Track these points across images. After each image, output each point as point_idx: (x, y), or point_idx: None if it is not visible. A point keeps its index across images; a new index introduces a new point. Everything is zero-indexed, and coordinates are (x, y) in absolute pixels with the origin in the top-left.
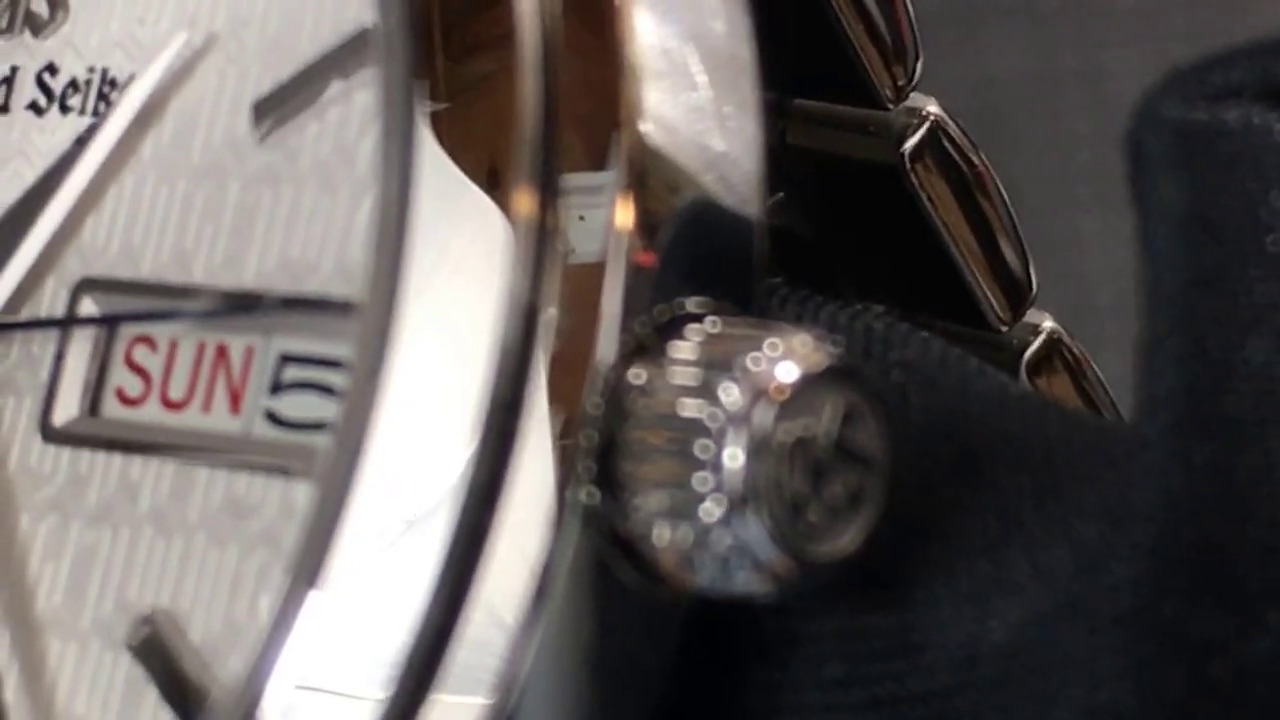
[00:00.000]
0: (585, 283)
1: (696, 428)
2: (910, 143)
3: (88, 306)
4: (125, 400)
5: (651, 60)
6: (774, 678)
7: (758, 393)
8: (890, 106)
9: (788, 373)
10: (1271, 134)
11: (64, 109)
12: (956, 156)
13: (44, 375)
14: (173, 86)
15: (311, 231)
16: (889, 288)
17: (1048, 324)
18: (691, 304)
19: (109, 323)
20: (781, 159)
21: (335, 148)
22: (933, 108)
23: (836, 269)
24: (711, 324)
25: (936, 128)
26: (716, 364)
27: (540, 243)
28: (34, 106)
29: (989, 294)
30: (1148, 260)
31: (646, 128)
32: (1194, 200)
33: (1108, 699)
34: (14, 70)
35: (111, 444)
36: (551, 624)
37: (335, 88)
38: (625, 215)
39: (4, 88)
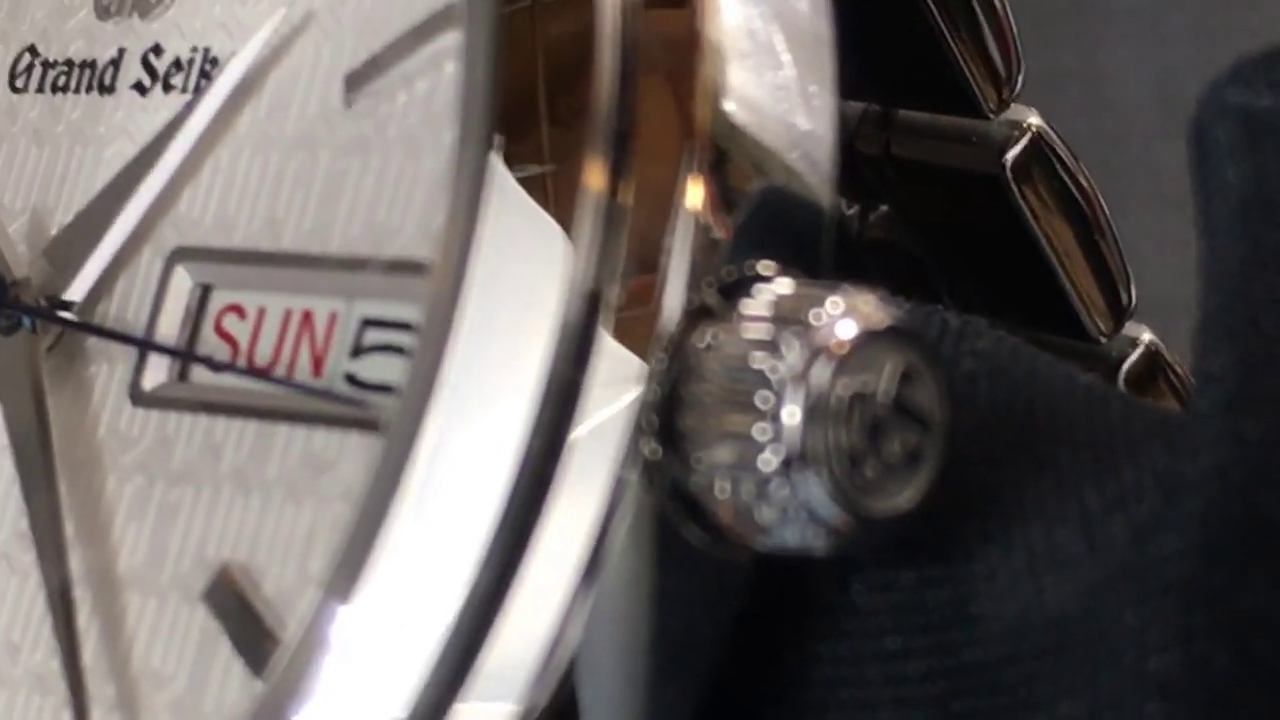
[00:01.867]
0: (655, 247)
1: (758, 380)
2: (1012, 153)
3: (180, 275)
4: (214, 366)
5: (737, 40)
6: (836, 650)
7: (818, 348)
8: (992, 116)
9: (848, 329)
10: None
11: (167, 88)
12: (1059, 167)
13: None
14: (271, 62)
15: (396, 196)
16: (990, 299)
17: (1146, 336)
18: (759, 267)
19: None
20: (886, 170)
21: (423, 116)
22: (1034, 119)
23: (939, 281)
24: (777, 284)
25: (1039, 139)
26: (779, 320)
27: (608, 221)
28: (138, 86)
29: (1089, 305)
30: (1206, 241)
31: (730, 106)
32: (1255, 181)
33: (1155, 668)
34: (121, 52)
35: (197, 406)
36: (613, 583)
37: (423, 58)
38: (695, 194)
39: (111, 69)
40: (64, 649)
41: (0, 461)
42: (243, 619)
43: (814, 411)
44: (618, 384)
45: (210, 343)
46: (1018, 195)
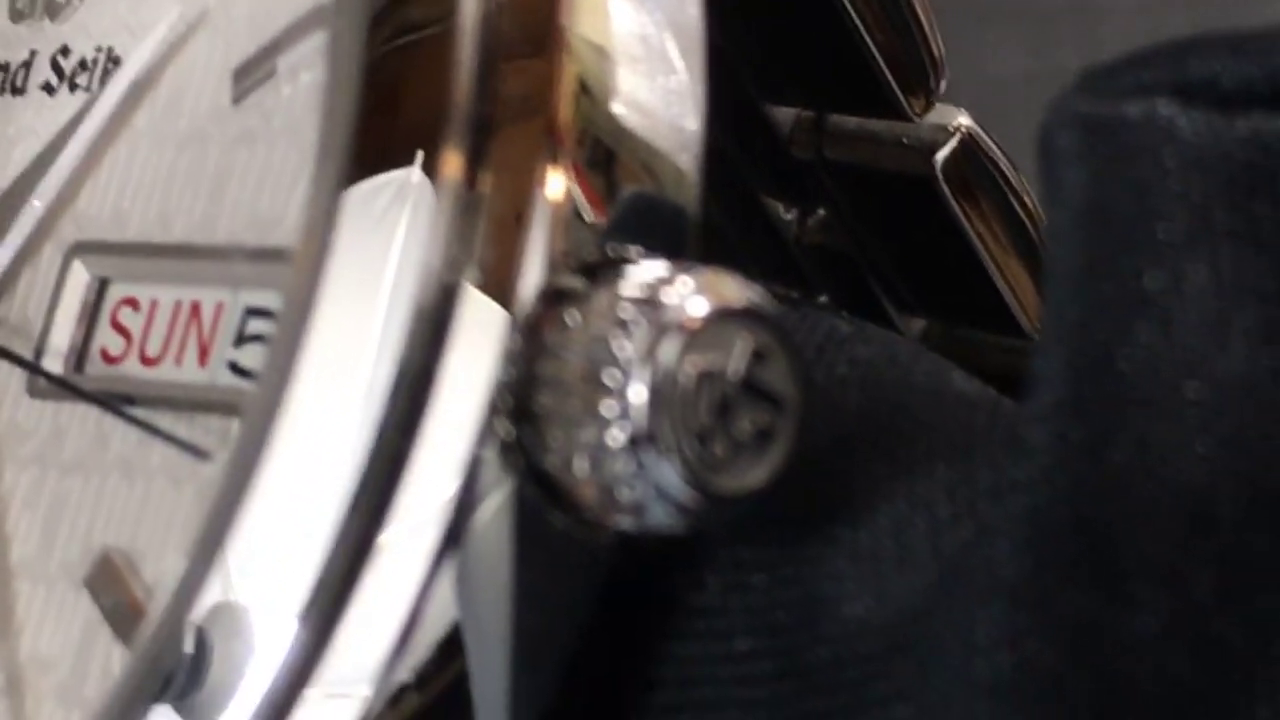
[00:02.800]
0: (513, 229)
1: (607, 358)
2: (942, 154)
3: (78, 269)
4: (108, 359)
5: (629, 46)
6: (690, 650)
7: (667, 325)
8: (916, 118)
9: (699, 307)
10: (1174, 126)
11: (73, 87)
12: (990, 168)
13: (35, 338)
14: (166, 59)
15: (279, 187)
16: (927, 299)
17: None
18: (620, 250)
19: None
20: (821, 175)
21: (306, 108)
22: (964, 119)
23: (875, 283)
24: (636, 266)
25: (969, 139)
26: (632, 300)
27: (465, 209)
28: (47, 87)
29: (1024, 304)
30: (1048, 246)
31: (620, 109)
32: (1092, 188)
33: (984, 669)
34: (32, 54)
35: (90, 397)
36: (478, 572)
37: (307, 50)
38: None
39: (23, 71)
40: None
41: None
42: (121, 604)
43: (660, 389)
44: (474, 367)
45: (106, 336)
46: (949, 196)
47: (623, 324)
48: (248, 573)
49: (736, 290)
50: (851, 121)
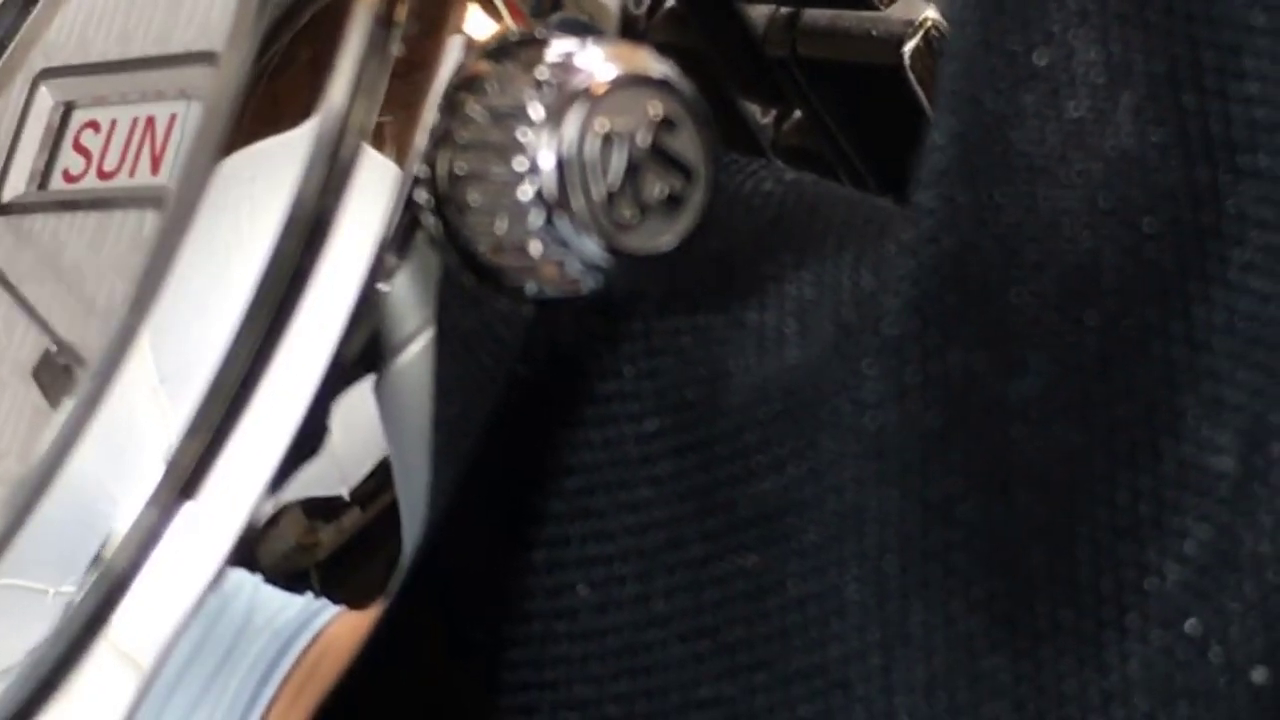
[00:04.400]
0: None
1: (520, 117)
2: (910, 45)
3: (43, 95)
4: (69, 178)
5: None
6: (604, 434)
7: (577, 89)
8: (881, 8)
9: (608, 72)
10: None
11: None
12: None
13: (1, 163)
14: None
15: None
16: (897, 196)
17: None
18: (535, 30)
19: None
20: (795, 73)
21: None
22: (930, 12)
23: (850, 184)
24: (552, 43)
25: (934, 32)
26: (547, 65)
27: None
28: None
29: None
30: (950, 25)
31: None
32: None
33: (870, 423)
34: None
35: (49, 208)
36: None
37: None
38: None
39: None
40: None
41: None
42: (66, 385)
43: (567, 147)
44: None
45: (69, 158)
46: (915, 84)
47: (537, 85)
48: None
49: (647, 60)
50: (824, 16)
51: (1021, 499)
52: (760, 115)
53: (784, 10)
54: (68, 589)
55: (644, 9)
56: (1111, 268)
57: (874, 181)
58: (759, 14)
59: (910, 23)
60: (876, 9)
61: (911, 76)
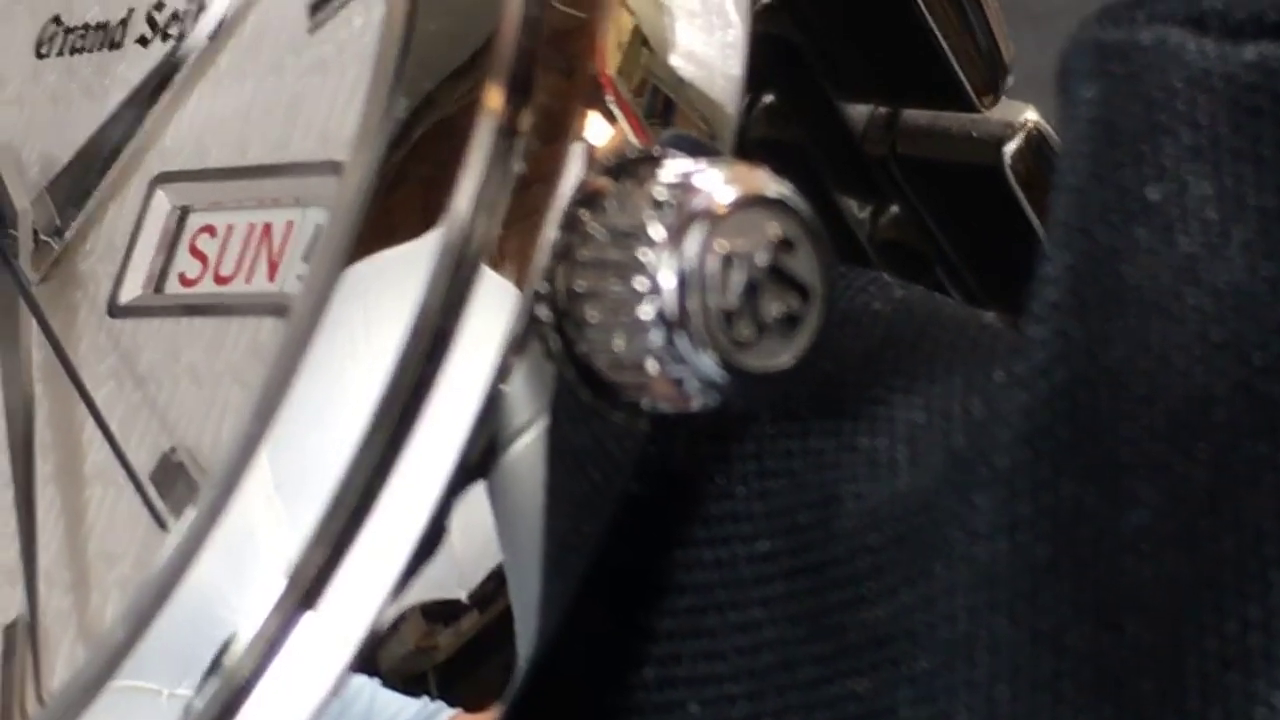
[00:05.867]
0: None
1: (640, 238)
2: (1011, 146)
3: (159, 199)
4: (185, 282)
5: (687, 2)
6: (715, 555)
7: (696, 208)
8: (982, 109)
9: (728, 194)
10: (1183, 49)
11: (165, 38)
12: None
13: (119, 265)
14: (249, 4)
15: (350, 108)
16: (993, 289)
17: None
18: (652, 149)
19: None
20: (893, 171)
21: (378, 36)
22: (1030, 114)
23: (946, 279)
24: (669, 162)
25: (1035, 133)
26: (666, 186)
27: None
28: (142, 40)
29: None
30: (1060, 158)
31: (677, 61)
32: (1102, 104)
33: (981, 553)
34: (130, 11)
35: (164, 313)
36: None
37: None
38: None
39: (120, 28)
40: (23, 541)
41: None
42: (184, 492)
43: (689, 269)
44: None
45: (185, 262)
46: (1015, 185)
47: (656, 204)
48: (284, 466)
49: (766, 181)
50: (924, 116)
51: (1131, 629)
52: (858, 209)
53: (883, 110)
54: (183, 692)
55: (744, 104)
56: (1222, 401)
57: (973, 279)
58: (858, 113)
59: (1010, 124)
60: (978, 110)
61: (1012, 177)
